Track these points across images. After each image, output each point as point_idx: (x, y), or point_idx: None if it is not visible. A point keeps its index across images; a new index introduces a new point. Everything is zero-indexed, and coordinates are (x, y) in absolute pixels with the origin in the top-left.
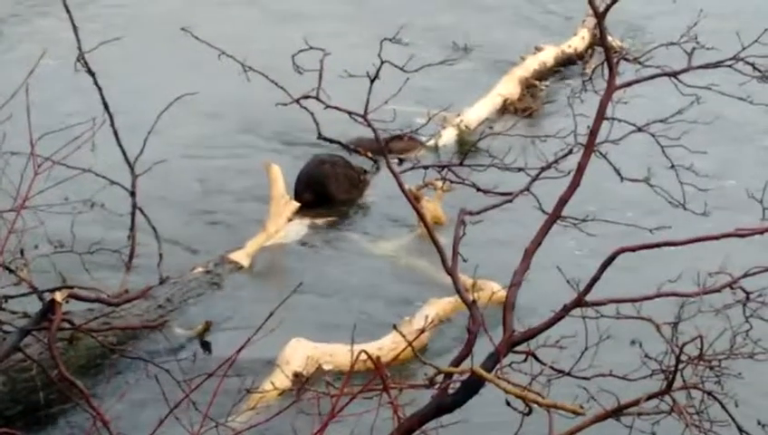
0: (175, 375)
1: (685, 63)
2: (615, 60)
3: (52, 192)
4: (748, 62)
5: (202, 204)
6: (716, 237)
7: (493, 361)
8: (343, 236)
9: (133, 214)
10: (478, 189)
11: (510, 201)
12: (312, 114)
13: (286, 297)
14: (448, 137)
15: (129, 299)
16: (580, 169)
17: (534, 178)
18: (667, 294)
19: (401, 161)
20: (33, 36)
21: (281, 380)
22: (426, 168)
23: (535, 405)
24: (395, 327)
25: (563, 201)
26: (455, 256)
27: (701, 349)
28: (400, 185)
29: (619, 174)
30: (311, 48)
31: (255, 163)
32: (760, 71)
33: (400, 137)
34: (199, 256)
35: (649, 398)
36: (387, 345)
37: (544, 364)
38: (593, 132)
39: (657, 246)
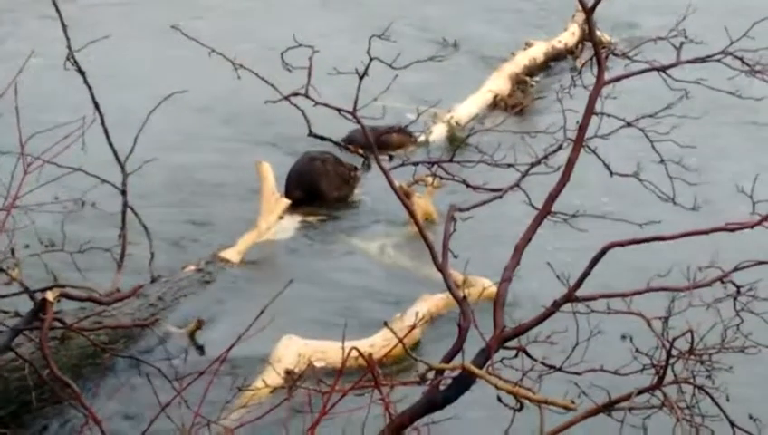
0: (167, 374)
1: (674, 58)
2: (604, 55)
3: (42, 191)
4: (737, 57)
5: (193, 202)
6: (706, 232)
7: (484, 357)
8: (334, 233)
9: (124, 212)
10: (468, 186)
11: (500, 197)
12: (302, 111)
13: (277, 295)
14: (438, 133)
15: (120, 298)
16: (570, 165)
17: (524, 174)
18: (658, 289)
19: (391, 158)
20: (20, 34)
21: (272, 377)
22: (416, 164)
23: (526, 401)
24: (386, 324)
25: (553, 197)
26: (445, 252)
27: (692, 343)
28: (390, 181)
29: (609, 169)
30: (300, 45)
31: (246, 160)
32: (748, 65)
33: (395, 131)
34: (191, 254)
35: (640, 393)
36: (378, 342)
37: (535, 360)
38: (582, 127)
39: (647, 240)
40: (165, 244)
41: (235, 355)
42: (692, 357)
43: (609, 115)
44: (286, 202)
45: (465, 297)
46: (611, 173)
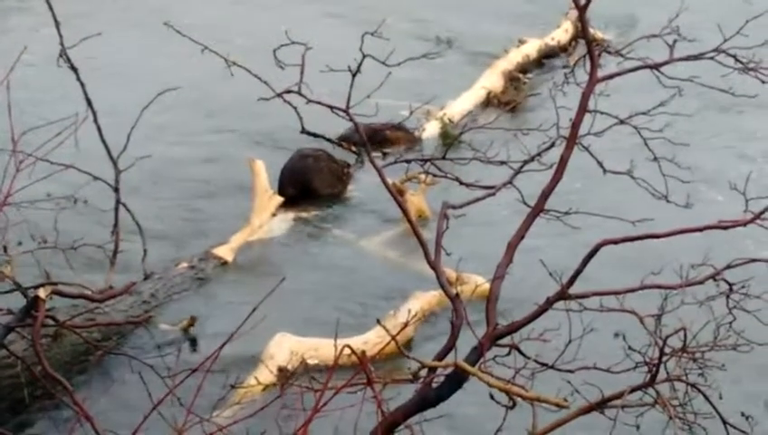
0: (159, 371)
1: (666, 55)
2: (597, 52)
3: (35, 188)
4: (730, 54)
5: (186, 199)
6: (699, 229)
7: (476, 354)
8: (327, 231)
9: (117, 209)
10: (461, 183)
11: (493, 195)
12: (295, 109)
13: (269, 292)
14: (432, 130)
15: (113, 295)
16: (563, 162)
17: (517, 172)
18: (651, 287)
19: (385, 155)
20: (11, 31)
21: (265, 375)
22: (408, 161)
23: (519, 399)
24: (379, 321)
25: (546, 194)
26: (438, 249)
27: (684, 341)
28: (383, 179)
29: (602, 166)
30: (293, 43)
31: (239, 158)
32: (742, 62)
33: (393, 128)
34: (184, 251)
35: (633, 390)
36: (372, 339)
37: (528, 358)
38: (575, 125)
39: (640, 238)
40: (158, 241)
41: (228, 352)
42: (685, 355)
43: (602, 112)
44: (279, 199)
45: (457, 295)
46: (605, 171)
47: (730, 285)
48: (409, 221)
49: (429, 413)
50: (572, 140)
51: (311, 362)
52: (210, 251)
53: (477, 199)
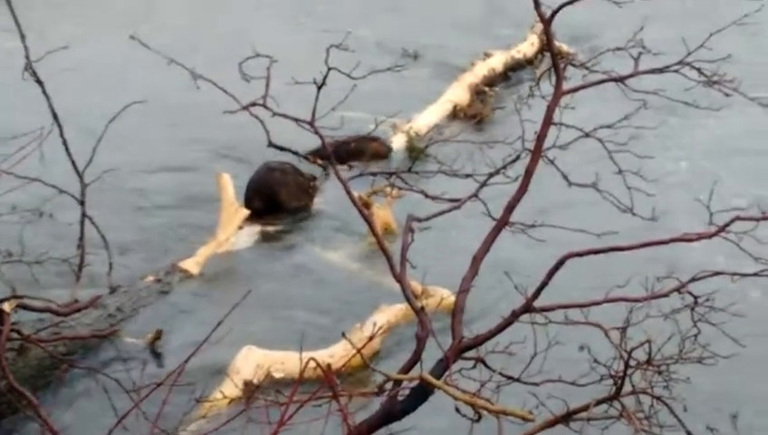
0: (125, 385)
1: (631, 69)
2: (562, 65)
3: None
4: (694, 67)
5: (152, 212)
6: (664, 242)
7: (442, 367)
8: (294, 244)
9: (82, 223)
10: (426, 196)
11: (458, 208)
12: (261, 122)
13: (235, 305)
14: (398, 143)
15: (78, 309)
16: (528, 175)
17: (482, 184)
18: (616, 300)
19: (351, 168)
20: None
21: (231, 388)
22: (374, 174)
23: (485, 412)
24: (344, 335)
25: (511, 207)
26: (403, 262)
27: (649, 354)
28: (348, 192)
29: (567, 179)
30: (258, 55)
31: (206, 171)
32: (706, 75)
33: (367, 138)
34: (149, 264)
35: (598, 403)
36: (338, 353)
37: (493, 371)
38: (540, 138)
39: (605, 251)
40: (123, 254)
41: (194, 366)
42: (650, 367)
43: (567, 126)
44: (246, 212)
45: (423, 308)
46: (569, 183)
47: (695, 297)
48: (375, 234)
49: (395, 426)
50: (537, 152)
51: (277, 375)
52: (176, 264)
53: (443, 212)
